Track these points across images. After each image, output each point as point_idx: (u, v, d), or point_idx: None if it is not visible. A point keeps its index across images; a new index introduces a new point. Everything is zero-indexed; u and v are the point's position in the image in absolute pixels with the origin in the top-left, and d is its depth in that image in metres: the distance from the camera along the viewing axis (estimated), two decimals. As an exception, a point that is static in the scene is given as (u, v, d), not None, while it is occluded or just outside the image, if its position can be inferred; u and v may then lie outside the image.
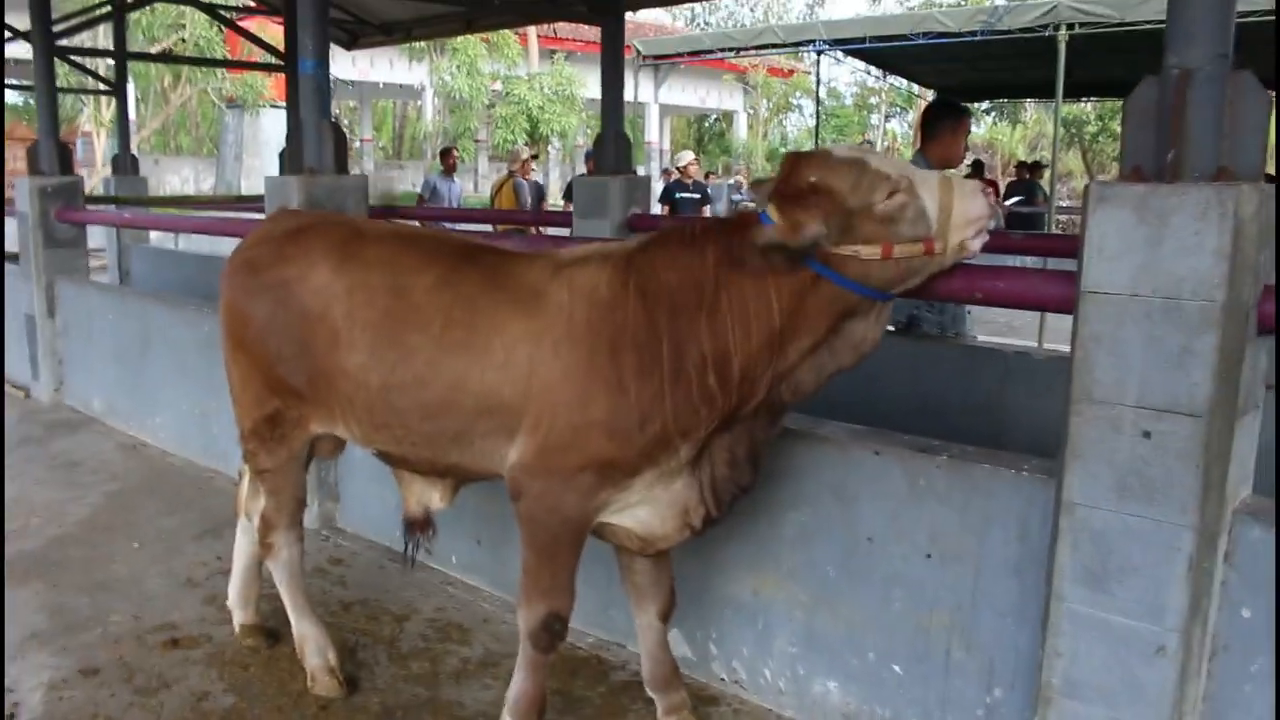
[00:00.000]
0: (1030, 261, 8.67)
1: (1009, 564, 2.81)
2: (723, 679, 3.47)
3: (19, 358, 7.52)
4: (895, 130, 34.04)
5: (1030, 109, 25.58)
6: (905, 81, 17.33)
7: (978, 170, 8.15)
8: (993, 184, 9.17)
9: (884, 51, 12.86)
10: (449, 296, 2.88)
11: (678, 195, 12.01)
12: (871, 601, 3.08)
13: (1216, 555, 2.44)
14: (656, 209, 12.16)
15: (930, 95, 16.94)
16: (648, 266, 2.71)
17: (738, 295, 2.59)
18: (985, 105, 23.55)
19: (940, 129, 4.94)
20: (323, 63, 4.69)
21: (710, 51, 13.46)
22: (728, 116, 27.19)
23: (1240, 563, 2.46)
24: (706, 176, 19.01)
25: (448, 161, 11.44)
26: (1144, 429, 2.42)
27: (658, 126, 24.09)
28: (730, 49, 13.38)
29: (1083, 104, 22.46)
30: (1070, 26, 9.79)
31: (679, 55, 13.75)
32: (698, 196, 12.07)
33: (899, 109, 31.44)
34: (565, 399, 2.69)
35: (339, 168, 4.80)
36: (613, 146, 6.13)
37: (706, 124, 30.86)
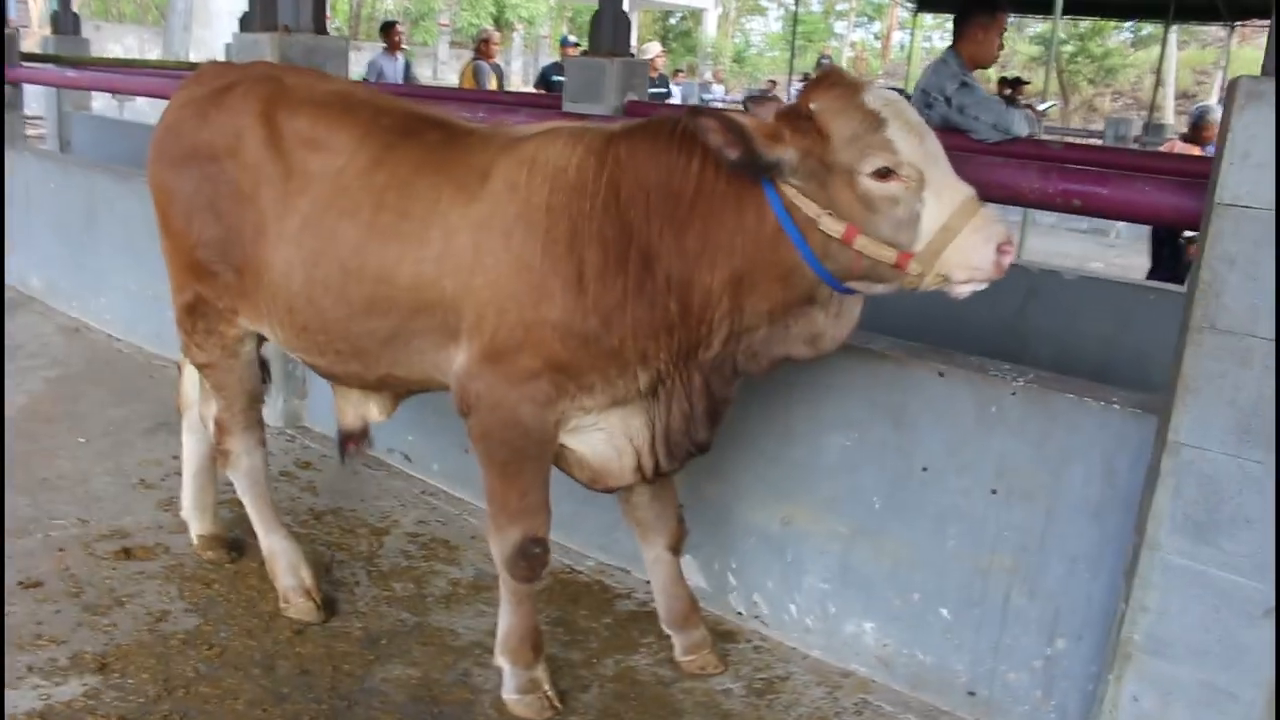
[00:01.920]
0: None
1: (1088, 506, 2.52)
2: (740, 612, 3.18)
3: (-54, 228, 6.89)
4: (861, 40, 33.18)
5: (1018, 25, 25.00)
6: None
7: (1017, 85, 7.55)
8: (1029, 105, 8.53)
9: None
10: (383, 178, 2.49)
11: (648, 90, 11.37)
12: (922, 537, 2.79)
13: (1346, 510, 2.16)
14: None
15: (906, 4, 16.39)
16: (629, 157, 2.31)
17: (713, 219, 2.24)
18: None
19: (972, 26, 4.58)
20: (300, -96, 4.14)
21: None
22: (695, 15, 26.18)
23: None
24: (675, 75, 18.30)
25: (391, 38, 10.66)
26: (1277, 365, 2.11)
27: (634, 20, 23.13)
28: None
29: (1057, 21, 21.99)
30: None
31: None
32: (664, 91, 11.42)
33: (866, 18, 30.65)
34: (516, 292, 2.33)
35: (317, 26, 4.28)
36: (610, 26, 5.62)
37: (672, 21, 29.78)
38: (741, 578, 3.18)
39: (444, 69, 21.84)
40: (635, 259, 2.28)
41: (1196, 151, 7.06)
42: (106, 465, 3.98)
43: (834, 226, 2.11)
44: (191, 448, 3.32)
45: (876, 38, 33.61)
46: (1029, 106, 7.85)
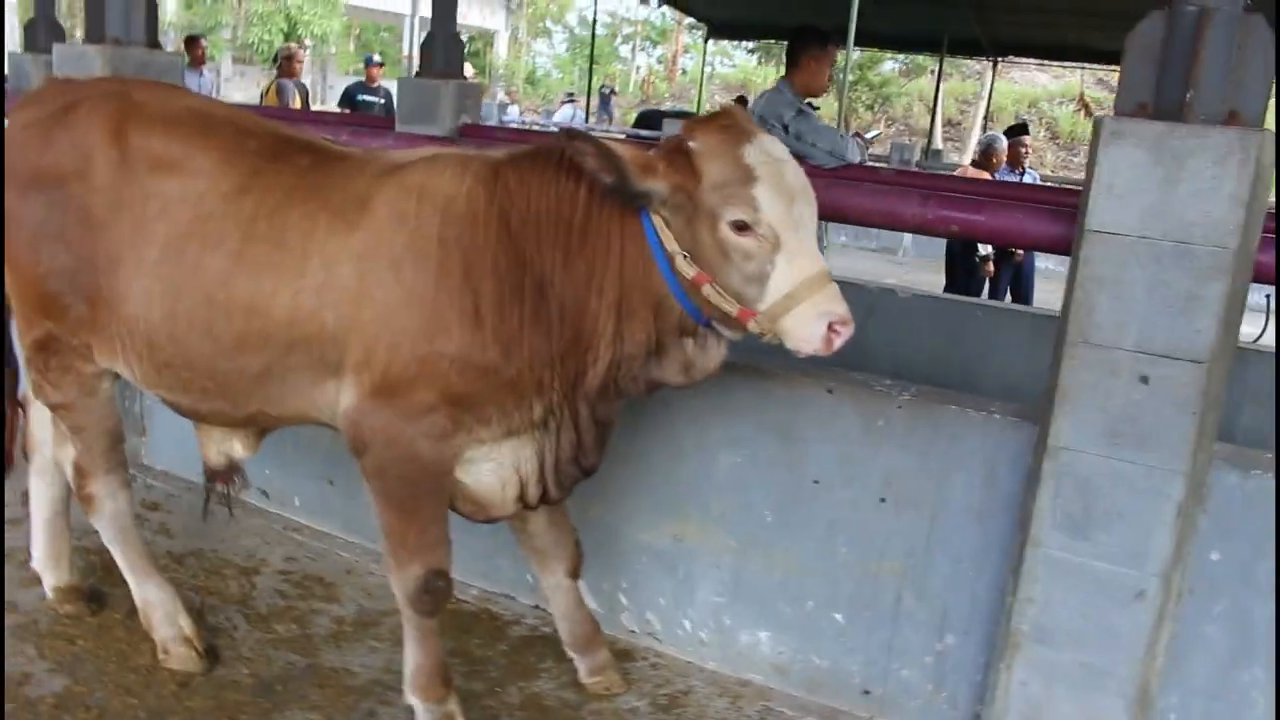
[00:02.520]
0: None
1: (971, 510, 2.73)
2: (633, 630, 3.23)
3: None
4: (649, 63, 33.92)
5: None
6: (674, 12, 17.31)
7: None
8: (857, 134, 8.92)
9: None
10: (250, 205, 2.40)
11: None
12: (813, 547, 2.92)
13: (1201, 502, 2.44)
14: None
15: (688, 29, 17.09)
16: (518, 185, 2.32)
17: (599, 245, 2.28)
18: (751, 45, 24.02)
19: (805, 56, 4.79)
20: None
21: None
22: (486, 36, 26.13)
23: (1213, 508, 2.47)
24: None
25: (194, 52, 10.12)
26: (1142, 374, 2.37)
27: (416, 41, 22.75)
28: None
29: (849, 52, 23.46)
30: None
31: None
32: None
33: (651, 42, 31.44)
34: (408, 326, 2.29)
35: (150, 39, 4.05)
36: (443, 47, 5.56)
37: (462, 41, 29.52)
38: (633, 596, 3.22)
39: (227, 86, 20.87)
40: (530, 287, 2.28)
41: (987, 176, 7.69)
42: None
43: (687, 269, 2.18)
44: (41, 493, 3.06)
45: (659, 61, 34.41)
46: (857, 135, 8.29)
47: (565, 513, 2.88)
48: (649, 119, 14.98)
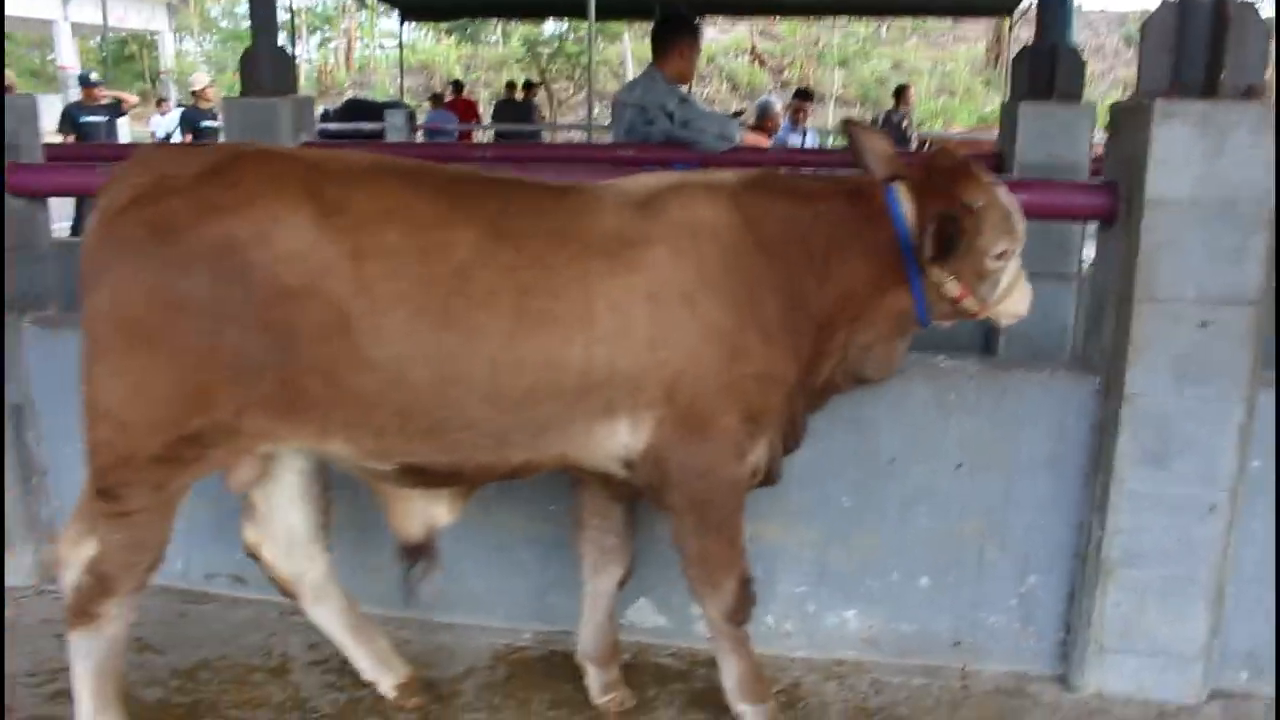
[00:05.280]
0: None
1: (1043, 461, 3.00)
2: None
3: None
4: (323, 52, 31.87)
5: (497, 30, 26.01)
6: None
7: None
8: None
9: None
10: (509, 255, 2.28)
11: (201, 124, 10.32)
12: (893, 523, 3.10)
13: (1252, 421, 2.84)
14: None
15: (384, 16, 16.56)
16: (758, 210, 2.44)
17: (847, 268, 2.47)
18: (446, 25, 23.46)
19: (676, 44, 4.86)
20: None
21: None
22: (141, 38, 23.66)
23: (1256, 424, 2.88)
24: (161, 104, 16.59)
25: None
26: (1202, 320, 2.72)
27: (72, 48, 20.22)
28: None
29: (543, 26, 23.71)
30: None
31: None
32: (216, 124, 10.45)
33: (318, 28, 29.87)
34: (710, 357, 2.35)
35: None
36: (269, 63, 5.12)
37: (113, 45, 26.25)
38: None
39: None
40: (791, 304, 2.40)
41: (765, 140, 8.12)
42: None
43: (954, 289, 2.44)
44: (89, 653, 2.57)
45: (320, 48, 32.36)
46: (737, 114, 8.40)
47: (634, 523, 2.88)
48: (359, 109, 14.39)
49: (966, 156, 2.52)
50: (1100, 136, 4.77)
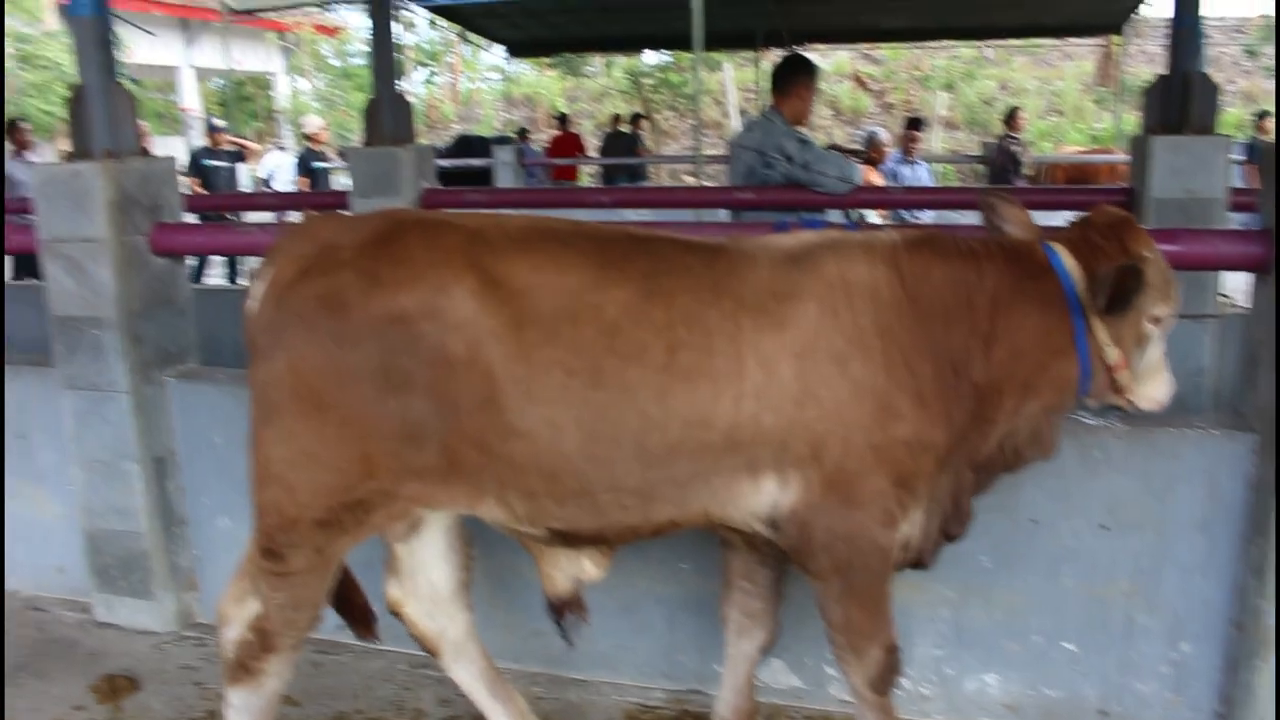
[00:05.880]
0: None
1: (1196, 521, 2.86)
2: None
3: None
4: (429, 87, 32.60)
5: (599, 64, 26.43)
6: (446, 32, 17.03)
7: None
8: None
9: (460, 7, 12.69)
10: (660, 313, 2.28)
11: (314, 165, 10.70)
12: (1036, 583, 2.99)
13: None
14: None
15: (485, 50, 16.93)
16: (921, 271, 2.38)
17: (1014, 325, 2.38)
18: (549, 60, 23.97)
19: (796, 84, 4.85)
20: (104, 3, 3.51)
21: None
22: (259, 79, 24.69)
23: None
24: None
25: (17, 137, 9.11)
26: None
27: (195, 91, 21.21)
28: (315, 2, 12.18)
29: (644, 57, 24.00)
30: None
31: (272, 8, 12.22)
32: (329, 165, 10.84)
33: (423, 63, 30.71)
34: (860, 418, 2.30)
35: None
36: (390, 111, 5.27)
37: (230, 87, 27.43)
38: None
39: None
40: (948, 368, 2.34)
41: (872, 172, 8.02)
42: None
43: (1114, 355, 2.35)
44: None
45: (426, 83, 33.17)
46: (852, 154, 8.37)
47: (781, 590, 2.82)
48: (470, 145, 14.69)
49: (1126, 213, 2.44)
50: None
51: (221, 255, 7.24)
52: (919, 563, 2.57)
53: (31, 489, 4.03)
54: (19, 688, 3.41)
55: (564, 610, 2.64)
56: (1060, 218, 3.04)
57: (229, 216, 8.93)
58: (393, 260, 2.28)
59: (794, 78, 4.84)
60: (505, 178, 11.72)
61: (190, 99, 21.16)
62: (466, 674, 2.91)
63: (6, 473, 4.00)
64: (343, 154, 5.87)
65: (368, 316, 2.24)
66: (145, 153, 3.77)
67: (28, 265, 9.33)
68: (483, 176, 12.42)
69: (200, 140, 11.45)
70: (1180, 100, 4.63)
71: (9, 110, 16.70)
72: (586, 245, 2.37)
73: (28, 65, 18.69)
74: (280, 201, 8.72)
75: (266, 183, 11.96)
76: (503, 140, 14.31)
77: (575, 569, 2.60)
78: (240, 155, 11.54)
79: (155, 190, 3.67)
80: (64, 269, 3.58)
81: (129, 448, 3.67)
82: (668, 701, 3.27)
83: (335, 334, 2.25)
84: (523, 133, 16.68)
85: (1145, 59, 20.90)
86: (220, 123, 11.36)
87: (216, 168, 10.20)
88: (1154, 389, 2.44)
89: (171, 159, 3.88)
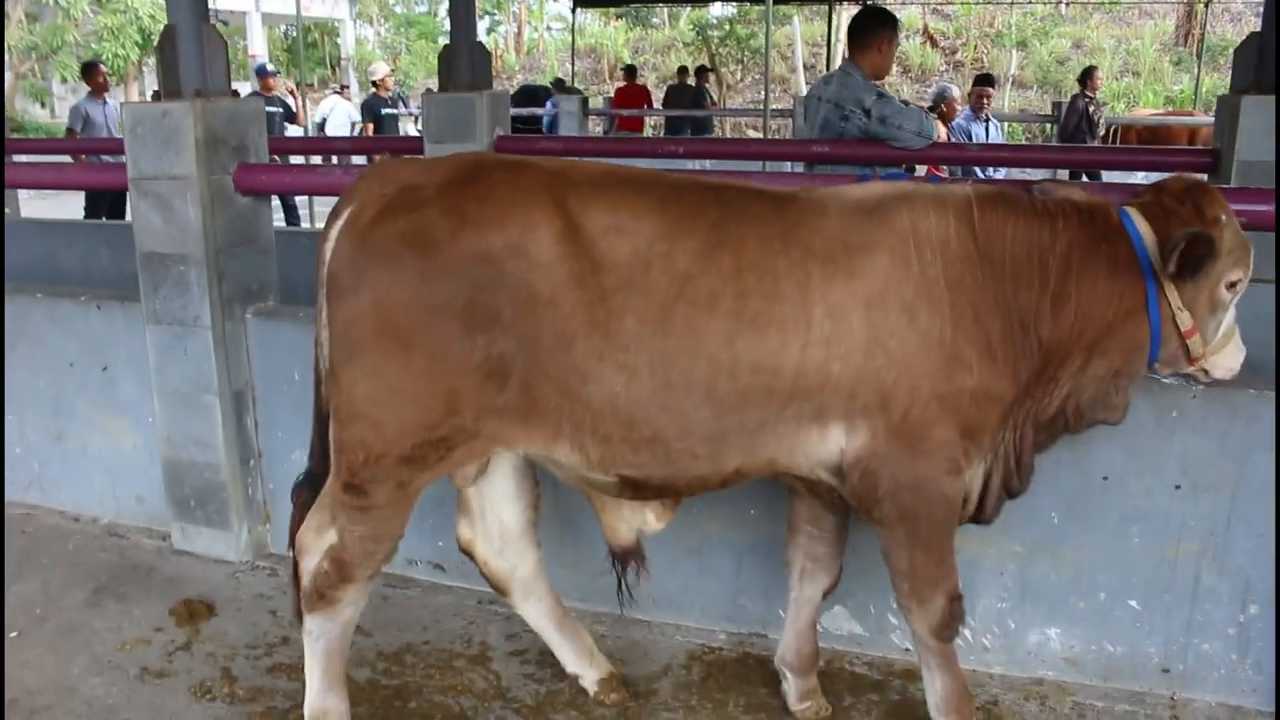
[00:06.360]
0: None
1: (1271, 485, 2.83)
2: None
3: None
4: (493, 36, 32.52)
5: (664, 15, 26.19)
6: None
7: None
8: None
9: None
10: (729, 260, 2.31)
11: (380, 111, 10.78)
12: (1104, 540, 2.98)
13: None
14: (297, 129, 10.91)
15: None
16: (994, 227, 2.39)
17: (1085, 287, 2.38)
18: (615, 10, 23.78)
19: (875, 38, 4.76)
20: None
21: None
22: (325, 26, 24.81)
23: None
24: (344, 90, 17.30)
25: (95, 80, 9.31)
26: None
27: (262, 38, 21.38)
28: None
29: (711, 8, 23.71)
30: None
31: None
32: (397, 112, 10.91)
33: (488, 12, 30.64)
34: (928, 368, 2.32)
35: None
36: (468, 58, 5.29)
37: (293, 34, 27.60)
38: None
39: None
40: (1016, 324, 2.35)
41: (942, 128, 7.89)
42: (81, 662, 3.25)
43: (1185, 320, 2.34)
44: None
45: (490, 32, 33.09)
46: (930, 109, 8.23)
47: (845, 535, 2.86)
48: (533, 94, 14.70)
49: (1202, 178, 2.43)
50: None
51: (304, 195, 7.27)
52: (980, 516, 2.59)
53: (112, 420, 4.18)
54: (100, 609, 3.57)
55: (627, 560, 2.70)
56: (1139, 179, 3.01)
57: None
58: (479, 199, 2.31)
59: (875, 30, 4.76)
60: (570, 127, 11.72)
61: (258, 45, 21.35)
62: (535, 611, 2.99)
63: (88, 404, 4.17)
64: (422, 99, 5.94)
65: (456, 254, 2.27)
66: (234, 93, 3.85)
67: (94, 205, 9.55)
68: (534, 126, 12.47)
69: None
70: (1273, 59, 4.49)
71: (86, 53, 17.05)
72: (661, 191, 2.39)
73: (102, 9, 19.02)
74: (354, 146, 8.78)
75: (320, 126, 12.00)
76: (568, 89, 14.25)
77: (639, 520, 2.65)
78: (290, 110, 11.35)
79: (242, 130, 3.74)
80: (152, 206, 3.68)
81: (209, 381, 3.78)
82: (730, 644, 3.33)
83: (422, 271, 2.29)
84: (559, 83, 16.54)
85: (1230, 19, 20.19)
86: (271, 67, 11.37)
87: (269, 114, 10.26)
88: (1226, 356, 2.44)
89: (259, 100, 3.95)
